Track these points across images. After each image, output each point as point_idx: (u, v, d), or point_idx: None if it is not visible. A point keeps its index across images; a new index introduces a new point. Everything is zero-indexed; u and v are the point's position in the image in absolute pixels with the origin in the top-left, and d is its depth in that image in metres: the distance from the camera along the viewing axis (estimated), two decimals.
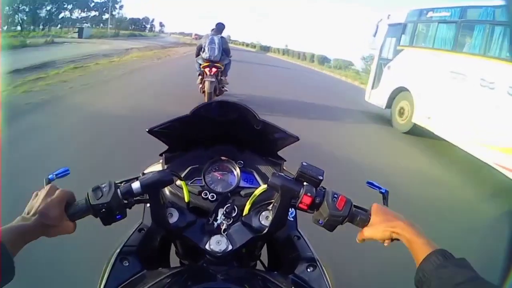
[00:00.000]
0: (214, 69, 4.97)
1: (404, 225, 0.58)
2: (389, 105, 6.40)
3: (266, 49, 38.84)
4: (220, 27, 5.28)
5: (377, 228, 0.61)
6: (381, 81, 6.76)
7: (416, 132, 5.59)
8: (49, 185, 0.63)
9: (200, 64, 5.21)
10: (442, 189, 3.60)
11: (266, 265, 0.92)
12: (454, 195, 3.55)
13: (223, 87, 5.51)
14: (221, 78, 5.32)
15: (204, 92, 5.09)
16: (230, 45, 6.05)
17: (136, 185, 0.63)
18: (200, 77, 5.38)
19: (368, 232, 0.62)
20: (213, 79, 4.92)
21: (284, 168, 0.88)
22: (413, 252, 0.55)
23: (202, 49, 5.12)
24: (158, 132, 0.78)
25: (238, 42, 46.62)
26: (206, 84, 4.89)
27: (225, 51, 5.20)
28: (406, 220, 0.59)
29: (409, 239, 0.56)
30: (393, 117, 6.28)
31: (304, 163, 0.65)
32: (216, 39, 5.05)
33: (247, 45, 46.48)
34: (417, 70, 5.73)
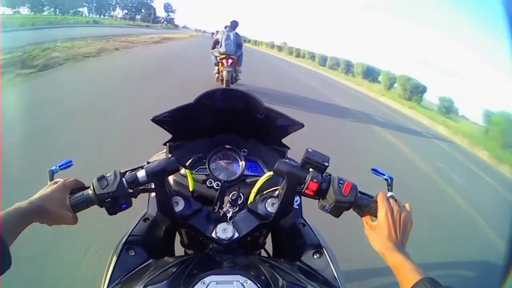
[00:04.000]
0: (230, 60, 5.91)
1: (392, 251, 0.58)
2: None
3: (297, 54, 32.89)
4: (234, 24, 6.18)
5: (373, 240, 0.62)
6: None
7: None
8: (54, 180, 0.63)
9: (216, 56, 6.16)
10: None
11: (271, 253, 0.92)
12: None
13: (237, 76, 6.48)
14: (235, 67, 6.28)
15: (221, 80, 6.07)
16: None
17: (141, 173, 0.64)
18: (216, 67, 6.34)
19: (368, 233, 0.64)
20: (230, 69, 5.88)
21: (288, 155, 0.90)
22: (399, 278, 0.55)
23: (220, 44, 6.05)
24: (162, 120, 0.78)
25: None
26: (224, 73, 5.85)
27: (238, 45, 6.14)
28: (395, 244, 0.59)
29: (395, 265, 0.57)
30: None
31: (310, 149, 0.65)
32: (232, 35, 5.98)
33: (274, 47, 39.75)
34: None
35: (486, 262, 2.22)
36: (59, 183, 0.63)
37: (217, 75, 6.39)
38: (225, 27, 6.26)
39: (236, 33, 6.13)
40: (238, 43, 6.11)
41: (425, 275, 0.53)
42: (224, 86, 5.90)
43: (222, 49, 5.94)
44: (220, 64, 6.09)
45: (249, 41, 52.82)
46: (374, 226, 0.63)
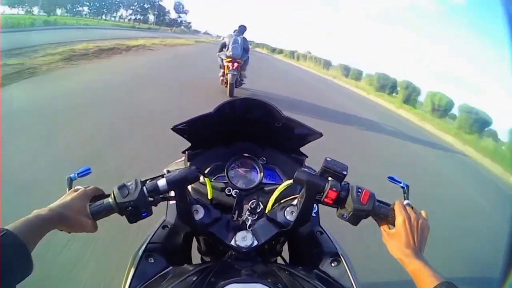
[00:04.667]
0: (236, 64, 5.92)
1: (410, 258, 0.59)
2: None
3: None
4: (242, 29, 6.23)
5: (391, 246, 0.63)
6: None
7: None
8: (74, 188, 0.64)
9: (223, 59, 6.18)
10: None
11: (288, 260, 0.92)
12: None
13: (242, 80, 6.49)
14: (241, 72, 6.29)
15: (226, 83, 6.07)
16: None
17: (162, 182, 0.64)
18: (222, 70, 6.35)
19: (386, 240, 0.65)
20: (235, 72, 5.89)
21: (306, 164, 0.90)
22: (418, 283, 0.56)
23: (226, 47, 6.07)
24: (181, 129, 0.79)
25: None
26: (229, 76, 5.86)
27: (245, 50, 6.17)
28: (414, 251, 0.60)
29: (414, 271, 0.57)
30: None
31: (328, 158, 0.66)
32: (239, 39, 6.02)
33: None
34: None
35: (486, 261, 2.26)
36: (79, 191, 0.63)
37: (221, 78, 6.39)
38: (234, 31, 6.30)
39: (244, 37, 6.17)
40: (245, 47, 6.14)
41: (444, 279, 0.54)
42: (228, 89, 5.91)
43: (229, 53, 5.96)
44: (225, 67, 6.10)
45: (281, 52, 36.96)
46: (392, 233, 0.64)
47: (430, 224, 0.64)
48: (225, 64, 6.07)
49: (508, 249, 1.32)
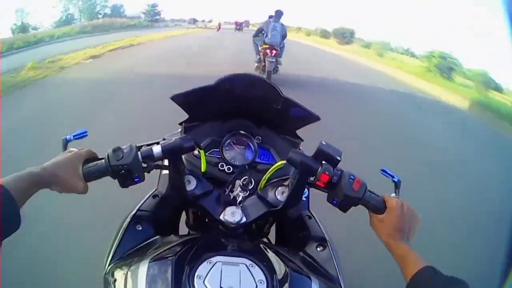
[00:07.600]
0: (274, 51, 5.98)
1: (397, 242, 0.61)
2: None
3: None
4: (279, 14, 6.22)
5: (379, 230, 0.65)
6: None
7: None
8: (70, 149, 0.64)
9: (258, 45, 6.21)
10: None
11: (274, 243, 0.93)
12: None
13: (277, 67, 6.58)
14: (277, 59, 6.36)
15: (262, 70, 6.16)
16: None
17: (157, 149, 0.64)
18: (258, 56, 6.41)
19: (373, 225, 0.67)
20: (274, 60, 5.95)
21: (300, 148, 0.90)
22: (403, 266, 0.59)
23: (265, 34, 6.10)
24: (181, 100, 0.80)
25: None
26: (267, 63, 5.93)
27: (283, 36, 6.20)
28: (401, 236, 0.62)
29: (400, 255, 0.60)
30: None
31: (323, 142, 0.66)
32: (278, 26, 6.04)
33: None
34: None
35: (485, 262, 2.18)
36: (73, 152, 0.64)
37: (256, 64, 6.46)
38: (270, 17, 6.29)
39: (282, 24, 6.18)
40: (283, 34, 6.18)
41: (427, 264, 0.56)
42: (265, 76, 6.01)
43: (268, 40, 6.00)
44: (262, 53, 6.15)
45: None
46: (381, 218, 0.66)
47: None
48: (262, 50, 6.13)
49: (508, 249, 1.33)
